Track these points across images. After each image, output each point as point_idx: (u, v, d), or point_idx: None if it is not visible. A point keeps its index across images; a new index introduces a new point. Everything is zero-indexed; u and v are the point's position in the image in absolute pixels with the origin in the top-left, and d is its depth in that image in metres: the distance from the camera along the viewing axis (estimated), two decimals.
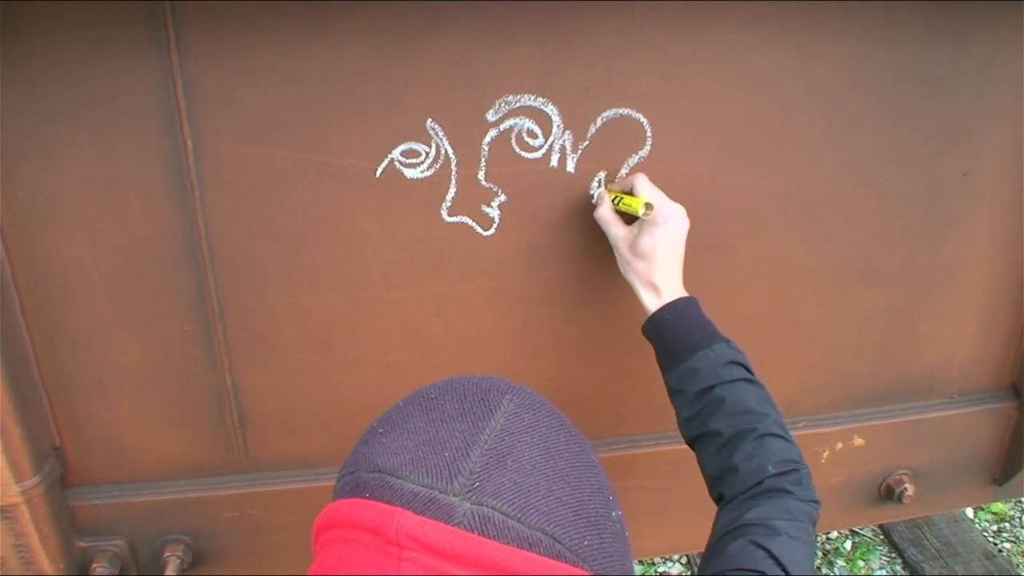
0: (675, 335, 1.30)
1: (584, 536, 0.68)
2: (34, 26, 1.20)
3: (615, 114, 1.39)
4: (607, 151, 1.42)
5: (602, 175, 1.43)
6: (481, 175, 1.39)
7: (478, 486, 0.65)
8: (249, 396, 1.50)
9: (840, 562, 2.86)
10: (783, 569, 0.99)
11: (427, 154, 1.36)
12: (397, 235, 1.41)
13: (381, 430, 0.74)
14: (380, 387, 1.53)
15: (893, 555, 2.86)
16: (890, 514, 1.99)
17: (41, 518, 1.44)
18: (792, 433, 1.60)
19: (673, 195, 1.45)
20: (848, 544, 2.93)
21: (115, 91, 1.26)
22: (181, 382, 1.47)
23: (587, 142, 1.40)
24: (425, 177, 1.38)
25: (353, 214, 1.39)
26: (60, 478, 1.50)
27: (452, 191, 1.39)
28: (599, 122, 1.39)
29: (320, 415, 1.52)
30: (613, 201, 1.39)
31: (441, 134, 1.35)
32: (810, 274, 1.61)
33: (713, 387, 1.23)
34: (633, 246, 1.35)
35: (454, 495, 0.64)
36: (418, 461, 0.68)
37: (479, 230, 1.44)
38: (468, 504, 0.64)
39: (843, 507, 1.89)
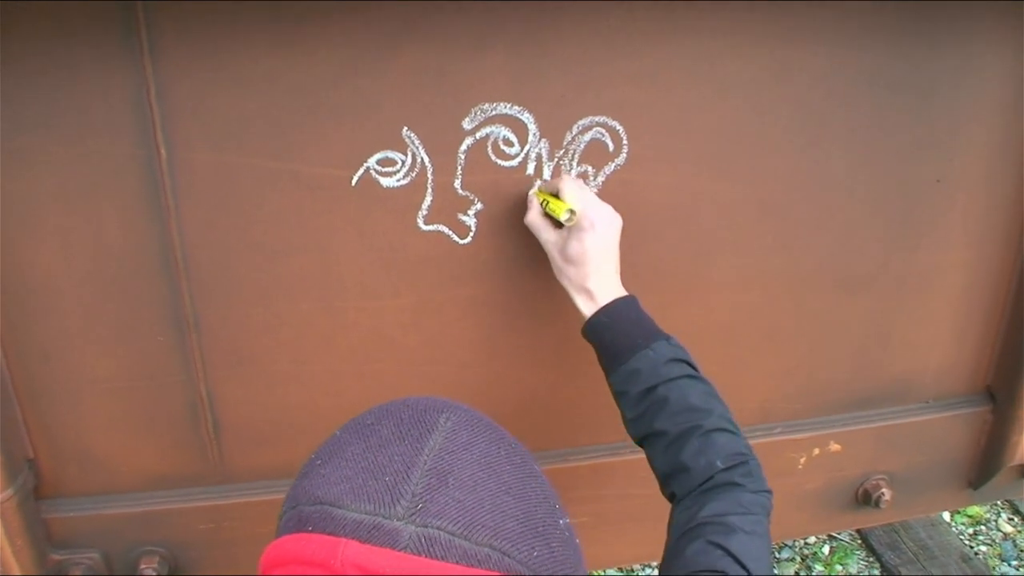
0: (613, 337, 1.28)
1: (533, 547, 0.68)
2: (5, 33, 1.18)
3: (591, 122, 1.39)
4: (583, 159, 1.42)
5: (538, 182, 1.43)
6: (457, 183, 1.39)
7: (421, 508, 0.65)
8: (224, 406, 1.49)
9: (818, 567, 2.87)
10: (743, 567, 0.99)
11: (403, 162, 1.36)
12: (373, 244, 1.41)
13: (319, 462, 0.74)
14: (357, 396, 1.52)
15: (871, 559, 2.87)
16: (867, 519, 2.00)
17: (15, 531, 1.42)
18: (768, 439, 1.61)
19: (649, 203, 1.46)
20: (826, 549, 2.94)
21: (88, 99, 1.25)
22: (155, 393, 1.46)
23: (563, 150, 1.40)
24: (401, 186, 1.37)
25: (329, 223, 1.38)
26: (34, 490, 1.48)
27: (428, 199, 1.39)
28: (575, 130, 1.39)
29: (296, 425, 1.52)
30: (542, 204, 1.37)
31: (417, 142, 1.35)
32: (786, 281, 1.62)
33: (656, 386, 1.22)
34: (563, 251, 1.33)
35: (398, 519, 0.64)
36: (359, 489, 0.67)
37: (456, 238, 1.43)
38: (413, 527, 0.64)
39: (820, 512, 1.90)
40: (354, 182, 1.35)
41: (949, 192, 1.62)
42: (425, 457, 0.69)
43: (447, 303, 1.47)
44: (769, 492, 1.14)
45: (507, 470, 0.72)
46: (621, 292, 1.32)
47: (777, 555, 2.92)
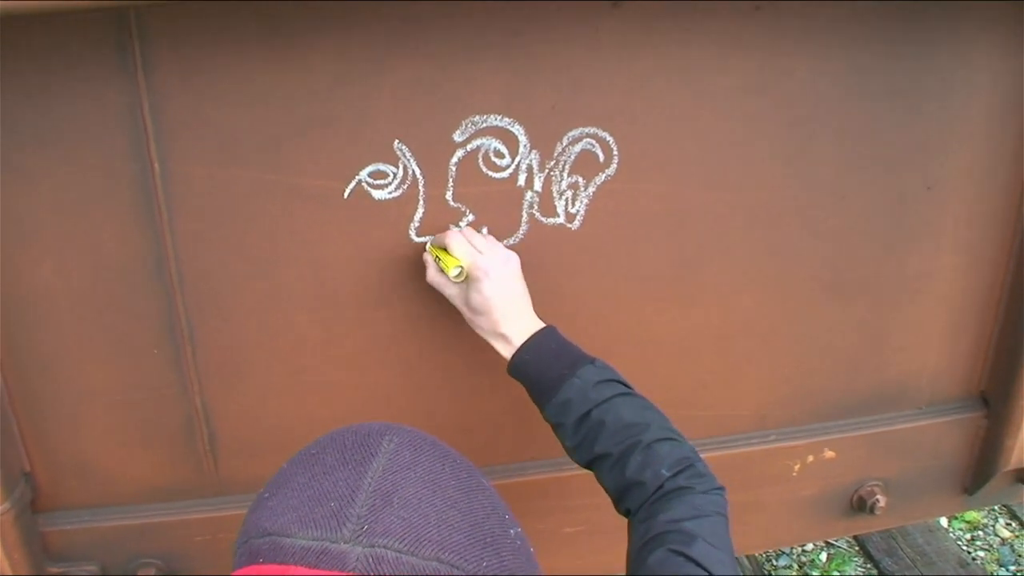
0: (538, 373, 1.29)
1: (482, 558, 0.69)
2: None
3: (581, 133, 1.40)
4: (573, 170, 1.43)
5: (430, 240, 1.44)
6: (449, 195, 1.40)
7: (367, 529, 0.66)
8: (220, 418, 1.50)
9: (816, 574, 2.87)
10: (707, 572, 0.99)
11: (395, 175, 1.36)
12: (366, 255, 1.42)
13: (267, 495, 0.75)
14: (352, 407, 1.53)
15: (868, 565, 2.86)
16: (863, 525, 2.00)
17: (12, 544, 1.42)
18: (763, 446, 1.62)
19: (640, 212, 1.46)
20: (823, 556, 2.94)
21: (83, 114, 1.26)
22: (151, 405, 1.47)
23: (554, 161, 1.41)
24: (393, 198, 1.38)
25: (322, 235, 1.39)
26: (31, 503, 1.49)
27: (420, 211, 1.40)
28: (565, 141, 1.40)
29: (292, 437, 1.52)
30: (436, 261, 1.38)
31: (408, 155, 1.36)
32: (778, 288, 1.63)
33: (589, 412, 1.23)
34: (468, 304, 1.35)
35: (345, 542, 0.65)
36: (305, 516, 0.68)
37: None
38: (360, 548, 0.65)
39: (816, 519, 1.90)
40: (346, 194, 1.36)
41: (940, 198, 1.63)
42: (369, 479, 0.70)
43: (440, 314, 1.47)
44: (721, 489, 1.15)
45: (452, 485, 0.74)
46: (537, 326, 1.34)
47: (774, 562, 2.92)
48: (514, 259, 1.37)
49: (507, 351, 1.33)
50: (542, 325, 1.34)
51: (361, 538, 0.66)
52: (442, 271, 1.36)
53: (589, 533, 1.72)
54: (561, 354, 1.30)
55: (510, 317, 1.33)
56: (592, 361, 1.28)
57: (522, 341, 1.31)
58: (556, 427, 1.28)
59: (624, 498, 1.19)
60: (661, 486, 1.14)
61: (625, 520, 1.19)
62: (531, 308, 1.37)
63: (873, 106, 1.52)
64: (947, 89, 1.54)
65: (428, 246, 1.42)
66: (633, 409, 1.23)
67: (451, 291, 1.37)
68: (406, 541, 0.66)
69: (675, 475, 1.14)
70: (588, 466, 1.26)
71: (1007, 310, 1.76)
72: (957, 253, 1.69)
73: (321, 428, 1.49)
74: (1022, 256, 1.70)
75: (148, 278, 1.37)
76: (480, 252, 1.34)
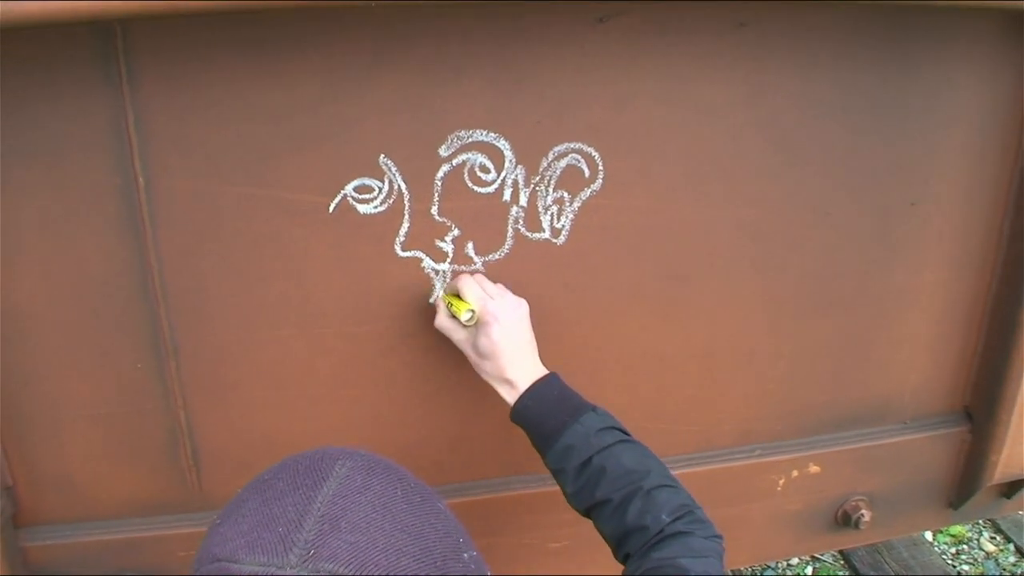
0: (540, 419, 1.32)
1: None
2: None
3: (567, 148, 1.40)
4: (559, 185, 1.43)
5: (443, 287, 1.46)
6: (434, 210, 1.40)
7: (313, 554, 0.66)
8: (204, 433, 1.49)
9: None
10: None
11: (380, 189, 1.36)
12: (351, 270, 1.41)
13: (219, 521, 0.75)
14: (337, 422, 1.52)
15: None
16: (848, 540, 2.00)
17: None
18: (747, 461, 1.62)
19: (625, 227, 1.46)
20: (809, 570, 2.94)
21: (67, 127, 1.25)
22: (135, 420, 1.46)
23: (539, 176, 1.41)
24: (378, 212, 1.38)
25: (307, 249, 1.38)
26: (12, 518, 1.48)
27: (405, 226, 1.40)
28: (551, 156, 1.40)
29: (276, 451, 1.49)
30: (448, 306, 1.40)
31: (394, 169, 1.35)
32: (763, 303, 1.63)
33: (591, 458, 1.25)
34: (475, 348, 1.37)
35: (290, 568, 0.66)
36: (253, 542, 0.69)
37: (433, 264, 1.44)
38: (306, 574, 0.65)
39: (800, 534, 1.90)
40: (332, 209, 1.36)
41: (924, 213, 1.64)
42: (318, 504, 0.71)
43: (425, 328, 1.47)
44: (720, 537, 1.17)
45: (403, 509, 0.74)
46: (541, 373, 1.36)
47: None
48: (524, 306, 1.40)
49: (511, 396, 1.35)
50: (546, 372, 1.36)
51: (307, 563, 0.66)
52: (453, 316, 1.39)
53: (574, 548, 1.71)
54: (563, 400, 1.33)
55: (516, 363, 1.35)
56: (593, 408, 1.31)
57: (527, 385, 1.33)
58: (557, 473, 1.30)
59: (624, 544, 1.19)
60: (661, 531, 1.15)
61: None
62: (536, 355, 1.40)
63: (858, 123, 1.52)
64: (931, 106, 1.55)
65: (441, 292, 1.45)
66: (634, 456, 1.25)
67: (459, 336, 1.40)
68: (351, 565, 0.66)
69: (675, 520, 1.16)
70: (587, 513, 1.28)
71: (991, 325, 1.77)
72: (941, 268, 1.70)
73: (305, 443, 1.49)
74: (1006, 271, 1.71)
75: (132, 292, 1.37)
76: (491, 297, 1.37)
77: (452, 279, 1.44)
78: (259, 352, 1.44)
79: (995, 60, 1.54)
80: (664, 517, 1.16)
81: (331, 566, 0.66)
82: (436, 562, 0.71)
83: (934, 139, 1.58)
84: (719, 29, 1.39)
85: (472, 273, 1.44)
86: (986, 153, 1.61)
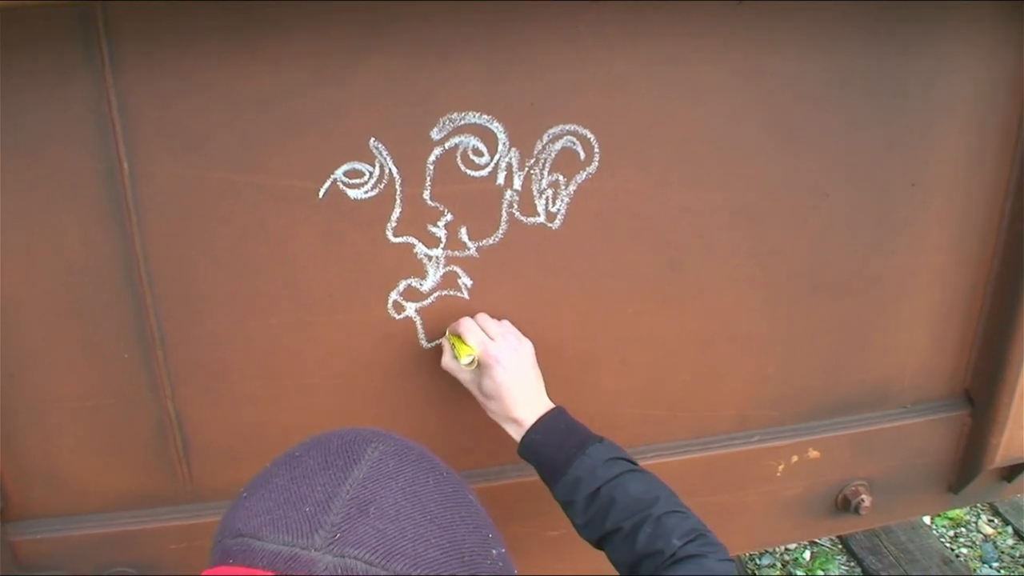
0: (548, 452, 1.32)
1: None
2: None
3: (562, 130, 1.38)
4: (554, 168, 1.40)
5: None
6: (426, 194, 1.38)
7: (339, 538, 0.65)
8: (193, 424, 1.47)
9: (799, 572, 2.87)
10: None
11: (371, 174, 1.34)
12: (342, 257, 1.39)
13: (245, 494, 0.74)
14: (328, 412, 1.50)
15: (852, 564, 2.87)
16: (848, 525, 1.99)
17: None
18: (746, 447, 1.61)
19: (621, 210, 1.44)
20: (807, 554, 2.94)
21: (48, 112, 1.23)
22: (122, 411, 1.44)
23: (534, 159, 1.39)
24: (369, 197, 1.35)
25: (295, 236, 1.36)
26: (0, 512, 1.46)
27: (397, 211, 1.37)
28: (545, 139, 1.38)
29: (267, 442, 1.49)
30: (452, 348, 1.41)
31: (385, 153, 1.33)
32: (760, 287, 1.61)
33: (599, 489, 1.25)
34: (480, 389, 1.40)
35: (315, 550, 0.64)
36: (278, 520, 0.67)
37: (426, 250, 1.42)
38: (330, 557, 0.64)
39: (800, 519, 1.89)
40: (321, 194, 1.34)
41: (924, 195, 1.62)
42: (348, 487, 0.69)
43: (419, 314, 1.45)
44: (732, 561, 1.17)
45: (434, 499, 0.72)
46: (547, 407, 1.37)
47: (758, 561, 2.91)
48: (526, 346, 1.42)
49: (518, 434, 1.36)
50: (552, 406, 1.37)
51: (332, 546, 0.64)
52: (456, 357, 1.39)
53: (571, 536, 1.70)
54: (570, 433, 1.33)
55: (520, 402, 1.36)
56: (600, 440, 1.31)
57: (533, 421, 1.34)
58: (566, 505, 1.30)
59: (637, 569, 1.19)
60: (673, 554, 1.15)
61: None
62: (543, 391, 1.41)
63: (856, 103, 1.50)
64: (931, 86, 1.53)
65: (447, 333, 1.45)
66: (642, 485, 1.25)
67: (464, 376, 1.42)
68: (378, 553, 0.65)
69: (687, 543, 1.16)
70: (599, 544, 1.28)
71: (991, 307, 1.76)
72: (941, 251, 1.68)
73: (297, 433, 1.47)
74: (1006, 253, 1.69)
75: (117, 281, 1.34)
76: (492, 339, 1.38)
77: (454, 322, 1.44)
78: (248, 341, 1.42)
79: (994, 41, 1.52)
80: (675, 541, 1.16)
81: (356, 551, 0.64)
82: (464, 556, 0.69)
83: (933, 120, 1.56)
84: (715, 10, 1.37)
85: (473, 316, 1.44)
86: (986, 134, 1.59)
